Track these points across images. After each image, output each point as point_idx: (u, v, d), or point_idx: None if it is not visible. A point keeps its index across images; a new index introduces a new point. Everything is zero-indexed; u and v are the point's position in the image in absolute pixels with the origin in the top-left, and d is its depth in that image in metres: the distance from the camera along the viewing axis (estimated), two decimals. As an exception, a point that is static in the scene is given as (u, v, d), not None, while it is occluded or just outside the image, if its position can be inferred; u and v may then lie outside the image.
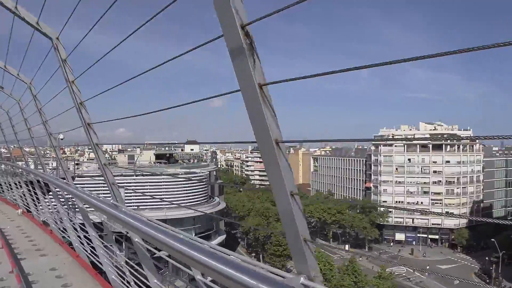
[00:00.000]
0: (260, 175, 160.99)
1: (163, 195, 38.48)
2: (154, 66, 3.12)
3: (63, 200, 7.51)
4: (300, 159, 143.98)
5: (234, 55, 1.99)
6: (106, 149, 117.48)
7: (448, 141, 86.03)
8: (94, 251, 5.70)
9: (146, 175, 41.12)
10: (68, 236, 6.98)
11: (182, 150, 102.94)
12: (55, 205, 8.10)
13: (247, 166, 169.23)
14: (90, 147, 5.62)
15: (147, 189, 38.64)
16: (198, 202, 39.68)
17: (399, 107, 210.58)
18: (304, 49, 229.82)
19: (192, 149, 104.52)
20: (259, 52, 2.00)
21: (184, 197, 38.89)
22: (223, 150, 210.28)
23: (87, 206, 5.10)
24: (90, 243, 6.18)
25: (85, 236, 6.40)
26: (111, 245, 5.21)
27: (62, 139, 27.60)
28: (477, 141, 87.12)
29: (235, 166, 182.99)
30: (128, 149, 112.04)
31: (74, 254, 6.59)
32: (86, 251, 6.25)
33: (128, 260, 4.69)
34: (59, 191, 7.33)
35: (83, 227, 6.47)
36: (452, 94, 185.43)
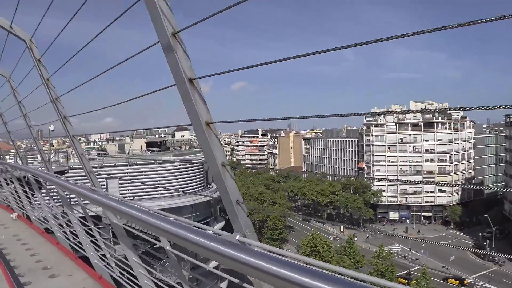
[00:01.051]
0: (251, 159, 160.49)
1: (160, 183, 37.38)
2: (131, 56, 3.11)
3: (67, 200, 5.99)
4: (291, 141, 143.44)
5: (167, 55, 2.51)
6: (95, 139, 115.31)
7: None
8: (121, 269, 4.60)
9: (140, 164, 39.82)
10: (84, 250, 5.34)
11: (172, 137, 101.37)
12: (58, 207, 6.85)
13: (238, 150, 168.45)
14: (67, 138, 6.05)
15: (142, 178, 37.42)
16: (196, 189, 38.69)
17: (386, 88, 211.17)
18: (284, 32, 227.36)
19: (183, 136, 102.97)
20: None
21: (181, 184, 37.83)
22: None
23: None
24: (111, 257, 4.89)
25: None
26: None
27: (53, 130, 25.96)
28: (467, 118, 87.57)
29: (225, 151, 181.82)
30: (117, 138, 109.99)
31: (93, 273, 5.07)
32: (111, 269, 4.82)
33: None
34: (69, 195, 5.81)
35: (103, 238, 5.19)
36: (437, 73, 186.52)
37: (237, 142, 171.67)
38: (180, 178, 38.70)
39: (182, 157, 43.81)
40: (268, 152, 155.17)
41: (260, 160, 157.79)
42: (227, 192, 2.71)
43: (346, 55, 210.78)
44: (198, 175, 40.73)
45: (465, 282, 55.15)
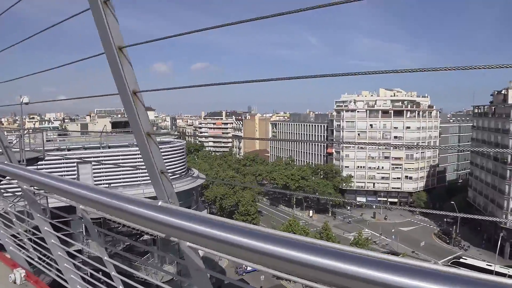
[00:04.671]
0: (214, 141, 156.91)
1: (138, 169, 33.74)
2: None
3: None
4: (257, 124, 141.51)
5: (97, 22, 2.26)
6: (50, 118, 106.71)
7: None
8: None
9: (115, 146, 35.89)
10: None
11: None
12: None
13: (201, 132, 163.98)
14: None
15: (118, 163, 33.51)
16: (177, 176, 35.37)
17: (354, 75, 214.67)
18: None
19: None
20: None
21: (161, 170, 34.32)
22: (172, 116, 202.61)
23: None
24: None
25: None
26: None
27: (27, 103, 21.49)
28: (434, 107, 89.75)
29: (188, 133, 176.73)
30: (72, 117, 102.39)
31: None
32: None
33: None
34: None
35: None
36: (395, 62, 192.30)
37: (200, 124, 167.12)
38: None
39: (159, 139, 40.09)
40: (232, 134, 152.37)
41: (224, 143, 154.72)
42: (152, 162, 2.47)
43: (311, 41, 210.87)
44: (180, 159, 37.45)
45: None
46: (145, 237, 28.65)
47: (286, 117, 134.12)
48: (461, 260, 51.38)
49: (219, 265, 53.37)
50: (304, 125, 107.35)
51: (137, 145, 2.49)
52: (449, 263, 51.43)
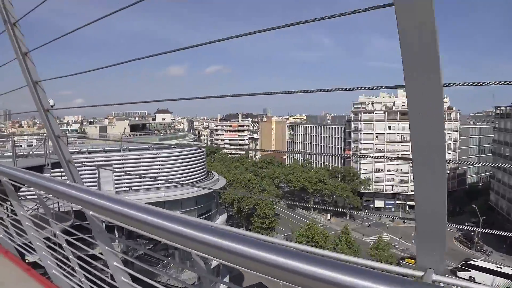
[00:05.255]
0: (230, 144, 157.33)
1: (159, 173, 34.16)
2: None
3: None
4: (273, 127, 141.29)
5: None
6: (68, 121, 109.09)
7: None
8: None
9: (134, 149, 36.37)
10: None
11: (153, 119, 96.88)
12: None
13: (217, 135, 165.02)
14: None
15: (139, 166, 33.99)
16: (198, 179, 35.68)
17: (371, 76, 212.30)
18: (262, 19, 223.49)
19: (164, 119, 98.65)
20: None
21: (182, 174, 34.71)
22: (188, 118, 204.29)
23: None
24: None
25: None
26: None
27: (52, 106, 21.94)
28: (453, 108, 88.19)
29: (204, 135, 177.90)
30: (90, 120, 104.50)
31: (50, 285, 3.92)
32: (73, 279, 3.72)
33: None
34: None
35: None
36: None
37: (216, 126, 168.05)
38: (181, 166, 35.56)
39: (177, 141, 40.58)
40: (249, 137, 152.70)
41: (240, 145, 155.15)
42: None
43: (325, 42, 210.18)
44: (200, 162, 37.74)
45: None
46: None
47: (302, 119, 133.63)
48: (471, 262, 51.23)
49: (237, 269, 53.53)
50: (321, 127, 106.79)
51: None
52: (459, 265, 51.16)
